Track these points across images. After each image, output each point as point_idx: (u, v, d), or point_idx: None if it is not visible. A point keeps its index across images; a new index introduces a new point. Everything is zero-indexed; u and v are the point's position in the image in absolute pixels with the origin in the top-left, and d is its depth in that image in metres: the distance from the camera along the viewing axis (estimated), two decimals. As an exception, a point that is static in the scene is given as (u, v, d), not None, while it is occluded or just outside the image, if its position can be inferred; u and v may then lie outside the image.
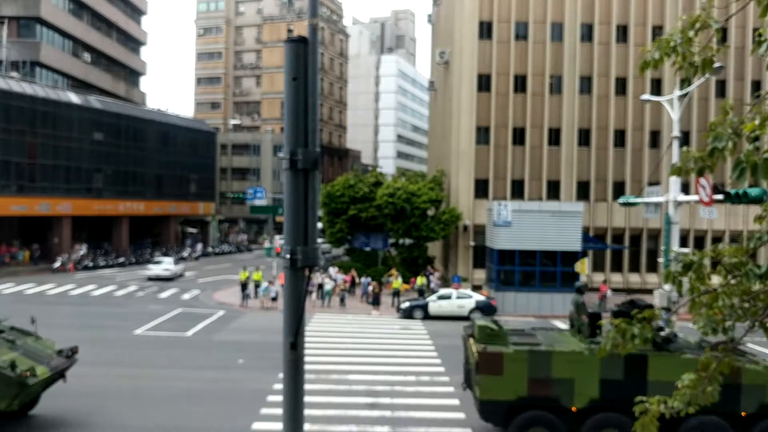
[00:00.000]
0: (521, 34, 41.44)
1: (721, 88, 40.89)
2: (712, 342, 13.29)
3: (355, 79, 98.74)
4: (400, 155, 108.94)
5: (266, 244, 47.15)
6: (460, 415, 15.97)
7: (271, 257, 38.57)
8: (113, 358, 21.06)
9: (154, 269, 43.34)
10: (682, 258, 5.09)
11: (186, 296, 36.50)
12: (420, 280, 35.79)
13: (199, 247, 62.65)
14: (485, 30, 41.39)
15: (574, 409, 13.15)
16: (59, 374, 14.77)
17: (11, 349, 14.14)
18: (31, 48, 53.34)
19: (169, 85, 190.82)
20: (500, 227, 32.85)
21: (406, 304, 31.29)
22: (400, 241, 41.17)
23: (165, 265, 43.90)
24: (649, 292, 31.91)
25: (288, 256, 4.43)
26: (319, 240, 45.28)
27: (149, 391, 17.39)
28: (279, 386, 16.84)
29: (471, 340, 14.30)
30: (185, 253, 58.07)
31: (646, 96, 28.50)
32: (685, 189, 24.45)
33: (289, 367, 4.52)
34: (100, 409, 15.89)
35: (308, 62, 4.38)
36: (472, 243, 40.59)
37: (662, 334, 13.57)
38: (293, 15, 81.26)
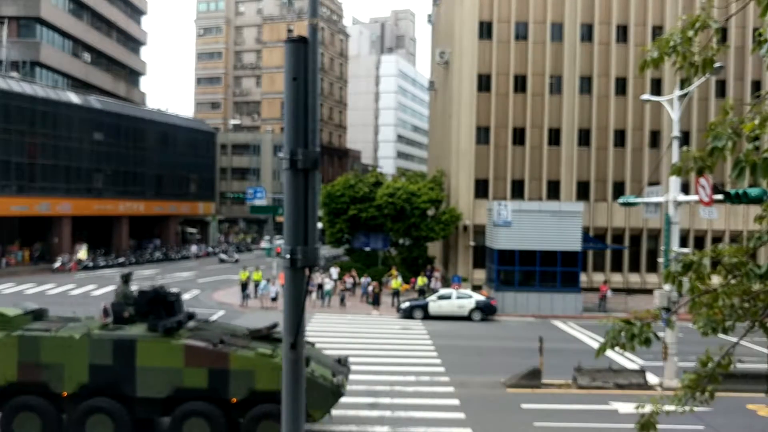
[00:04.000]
0: (521, 34, 41.42)
1: (721, 88, 40.88)
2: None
3: (355, 79, 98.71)
4: (400, 155, 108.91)
5: (263, 244, 48.47)
6: (460, 415, 15.98)
7: (271, 257, 38.58)
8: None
9: None
10: (682, 258, 5.09)
11: (186, 296, 36.47)
12: (421, 281, 35.76)
13: (194, 248, 62.15)
14: (485, 30, 41.39)
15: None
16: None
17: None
18: (31, 48, 53.35)
19: (169, 85, 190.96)
20: (500, 227, 32.84)
21: (406, 304, 31.28)
22: (400, 241, 41.16)
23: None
24: (649, 292, 31.90)
25: (288, 256, 4.43)
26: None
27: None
28: (279, 386, 16.79)
29: None
30: (187, 254, 58.21)
31: (646, 96, 28.43)
32: (685, 189, 24.34)
33: (289, 367, 4.52)
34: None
35: (308, 62, 4.38)
36: (472, 243, 40.58)
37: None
38: (293, 15, 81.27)
